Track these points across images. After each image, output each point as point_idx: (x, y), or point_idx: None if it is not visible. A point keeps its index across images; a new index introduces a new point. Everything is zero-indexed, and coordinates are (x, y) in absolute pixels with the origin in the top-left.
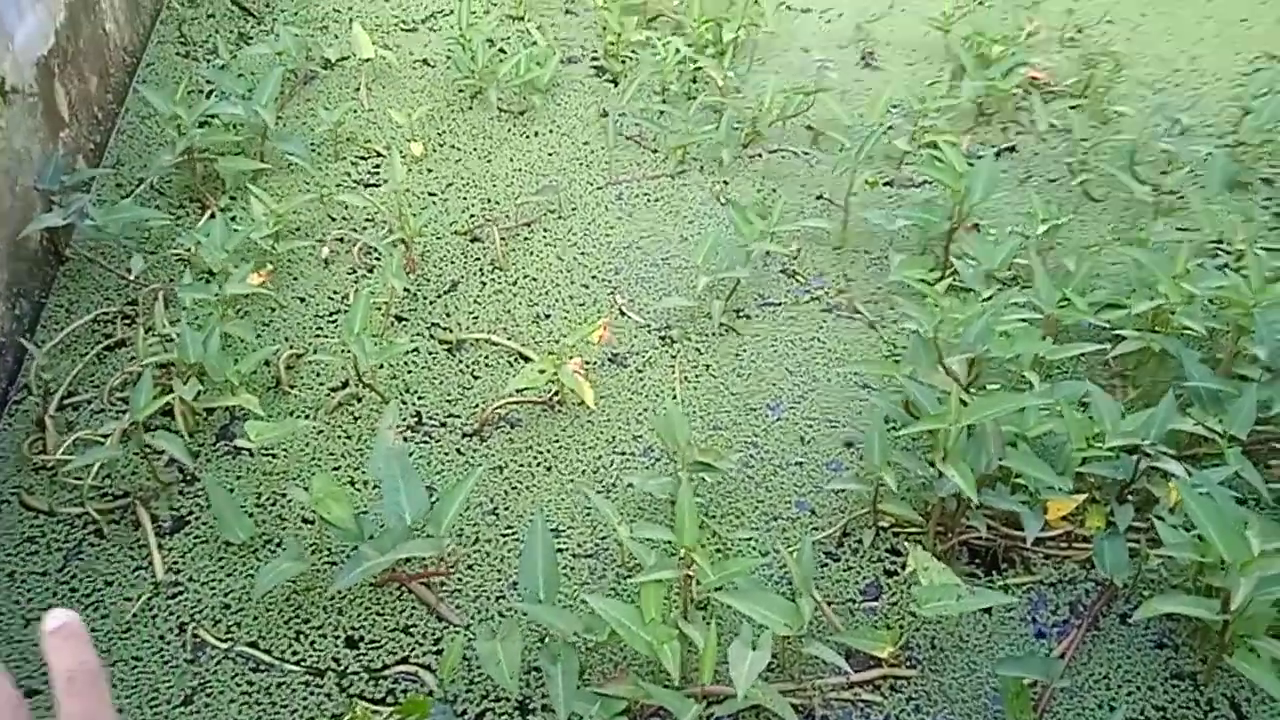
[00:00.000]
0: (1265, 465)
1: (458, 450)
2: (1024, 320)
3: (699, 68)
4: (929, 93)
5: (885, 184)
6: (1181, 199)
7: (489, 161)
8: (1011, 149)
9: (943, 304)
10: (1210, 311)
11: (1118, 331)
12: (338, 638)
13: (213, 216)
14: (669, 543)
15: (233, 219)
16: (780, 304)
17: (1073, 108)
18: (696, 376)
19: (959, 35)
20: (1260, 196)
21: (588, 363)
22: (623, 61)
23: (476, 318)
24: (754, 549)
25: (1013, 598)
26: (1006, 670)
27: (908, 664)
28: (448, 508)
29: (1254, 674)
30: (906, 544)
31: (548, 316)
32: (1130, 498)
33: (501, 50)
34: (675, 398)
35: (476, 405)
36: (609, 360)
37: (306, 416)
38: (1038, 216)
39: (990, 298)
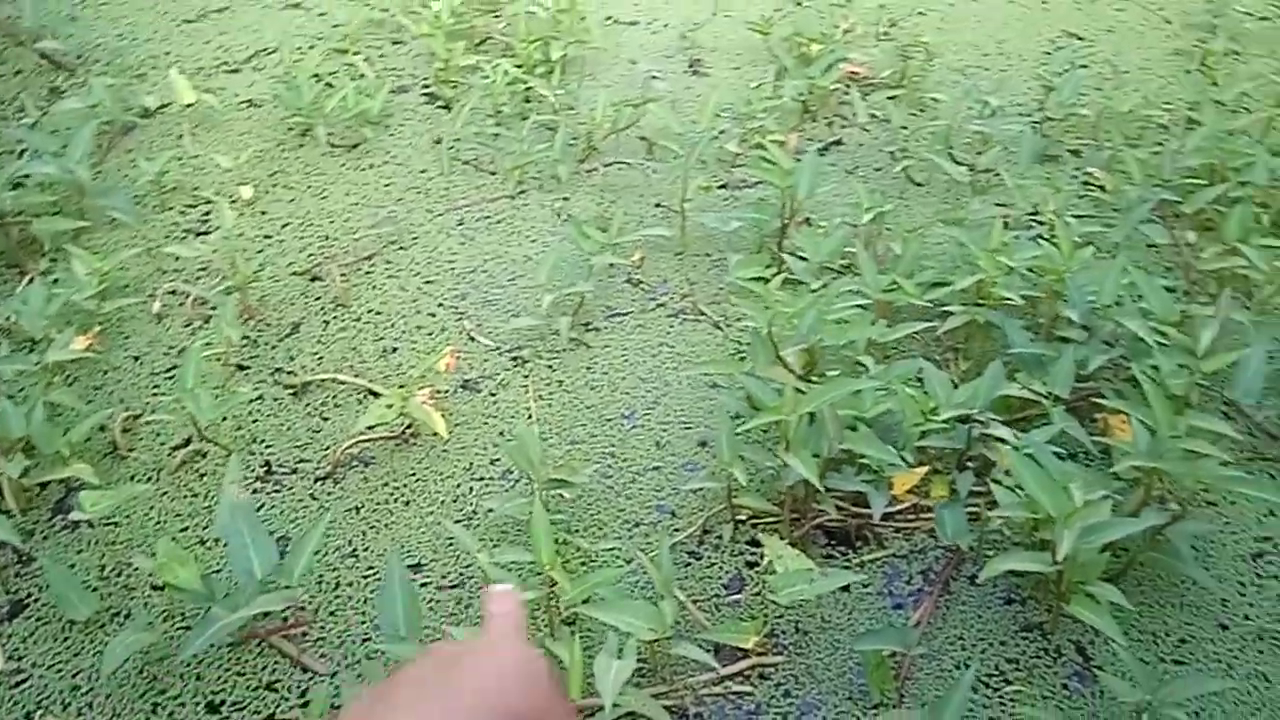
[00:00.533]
0: (1090, 419)
1: (311, 495)
2: (858, 306)
3: (530, 88)
4: (755, 95)
5: (720, 187)
6: (996, 176)
7: (324, 199)
8: (838, 143)
9: (777, 299)
10: (1031, 280)
11: (946, 308)
12: (198, 704)
13: (31, 282)
14: (531, 563)
15: (54, 282)
16: (628, 313)
17: (891, 98)
18: (550, 394)
19: (780, 37)
20: (1069, 168)
21: (439, 392)
22: (454, 87)
23: (321, 358)
24: (618, 558)
25: (865, 574)
26: (865, 645)
27: (774, 651)
28: (298, 557)
29: (1090, 617)
30: (763, 535)
31: (395, 349)
32: (969, 465)
33: (329, 85)
34: (530, 417)
35: (328, 447)
36: (461, 387)
37: (148, 480)
38: (863, 205)
39: (821, 288)
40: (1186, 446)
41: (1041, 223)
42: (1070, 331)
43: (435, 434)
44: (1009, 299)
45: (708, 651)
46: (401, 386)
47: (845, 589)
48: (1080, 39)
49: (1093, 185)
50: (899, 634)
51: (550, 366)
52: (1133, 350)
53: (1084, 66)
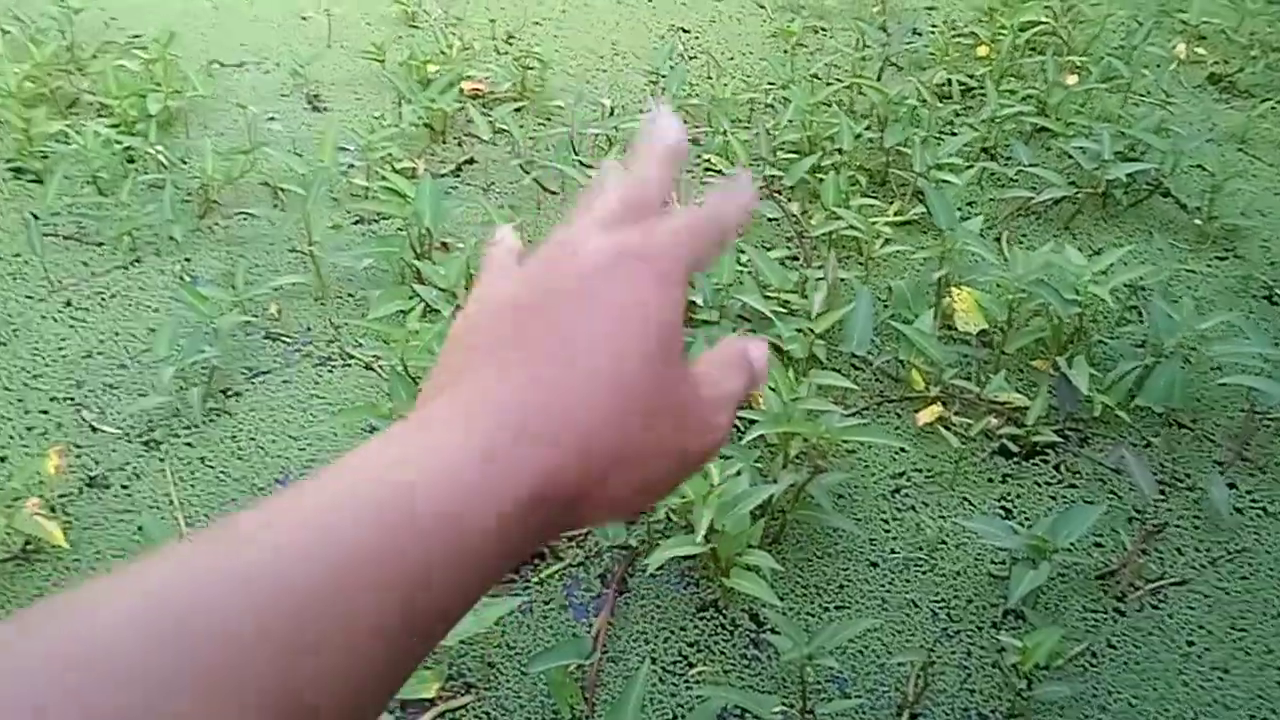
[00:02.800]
0: (746, 405)
1: None
2: None
3: (129, 148)
4: (377, 124)
5: (355, 223)
6: None
7: None
8: (470, 161)
9: (414, 331)
10: None
11: None
12: None
13: None
14: None
15: None
16: (270, 370)
17: (517, 110)
18: (192, 474)
19: (397, 62)
20: (690, 157)
21: (62, 496)
22: (43, 158)
23: None
24: None
25: (544, 591)
26: (540, 665)
27: (461, 692)
28: None
29: (746, 586)
30: None
31: (3, 459)
32: None
33: None
34: (171, 503)
35: None
36: (87, 485)
37: None
38: (494, 221)
39: (455, 314)
40: (809, 406)
41: None
42: (704, 314)
43: (56, 545)
44: None
45: (390, 714)
46: (15, 500)
47: (527, 610)
48: (687, 31)
49: (712, 171)
50: (574, 646)
51: (189, 444)
52: (759, 324)
53: (694, 58)
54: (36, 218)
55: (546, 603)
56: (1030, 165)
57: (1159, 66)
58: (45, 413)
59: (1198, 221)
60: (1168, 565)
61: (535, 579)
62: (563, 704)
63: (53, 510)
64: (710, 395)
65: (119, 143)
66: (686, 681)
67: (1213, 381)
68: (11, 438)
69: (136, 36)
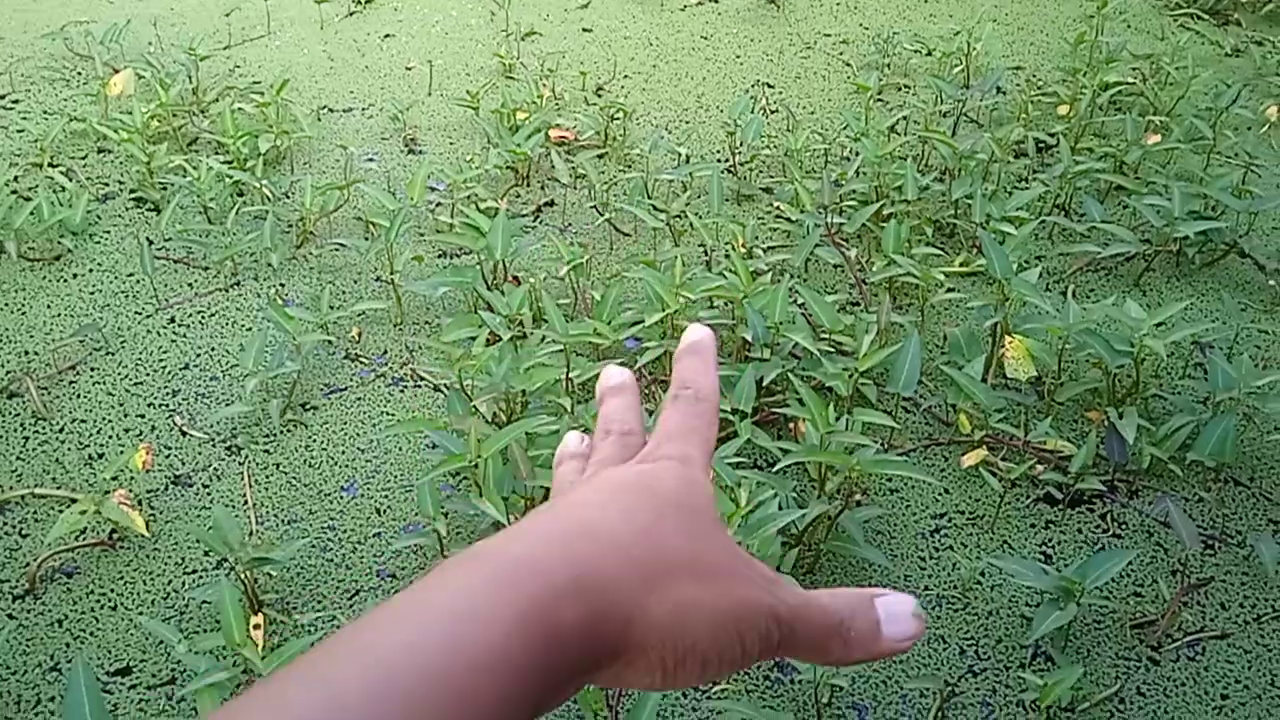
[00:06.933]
0: (783, 430)
1: (9, 615)
2: (553, 353)
3: (238, 182)
4: (466, 166)
5: (439, 256)
6: (687, 220)
7: (23, 314)
8: (550, 204)
9: (475, 355)
10: (726, 311)
11: (647, 344)
12: None
13: None
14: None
15: None
16: (346, 388)
17: (599, 156)
18: (267, 477)
19: (489, 110)
20: (763, 204)
21: (149, 491)
22: (162, 189)
23: (20, 475)
24: (334, 627)
25: None
26: None
27: None
28: None
29: None
30: None
31: (101, 456)
32: None
33: (27, 199)
34: (247, 503)
35: (27, 564)
36: (172, 483)
37: None
38: (564, 258)
39: (516, 340)
40: (846, 440)
41: (729, 257)
42: (756, 351)
43: (143, 535)
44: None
45: None
46: (107, 492)
47: None
48: (771, 86)
49: (783, 218)
50: None
51: (266, 450)
52: (807, 361)
53: (774, 111)
54: (151, 242)
55: None
56: (1103, 222)
57: (1247, 129)
58: (142, 416)
59: (1272, 282)
60: (1209, 619)
61: None
62: (586, 709)
63: (139, 503)
64: (769, 578)
65: (230, 177)
66: (709, 696)
67: (1273, 440)
68: (111, 438)
69: (256, 83)
